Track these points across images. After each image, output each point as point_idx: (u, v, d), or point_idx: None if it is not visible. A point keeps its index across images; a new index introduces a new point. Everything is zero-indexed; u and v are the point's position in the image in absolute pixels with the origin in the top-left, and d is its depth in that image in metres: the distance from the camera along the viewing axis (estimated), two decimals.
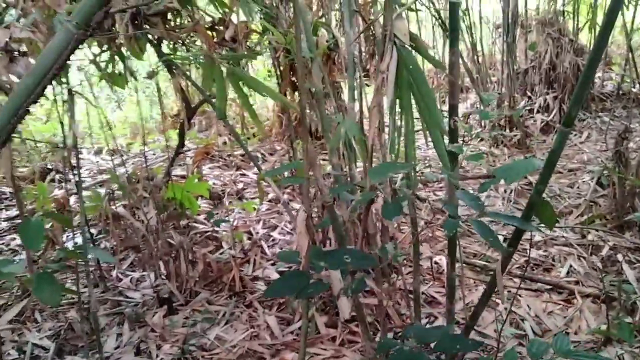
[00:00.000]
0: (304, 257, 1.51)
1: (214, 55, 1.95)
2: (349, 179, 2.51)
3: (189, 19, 2.47)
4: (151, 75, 2.59)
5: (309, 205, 1.60)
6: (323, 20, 3.38)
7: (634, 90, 6.24)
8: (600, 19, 6.21)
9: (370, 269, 2.66)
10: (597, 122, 5.82)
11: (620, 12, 5.77)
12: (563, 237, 3.47)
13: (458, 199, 1.51)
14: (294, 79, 3.11)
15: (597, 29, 6.21)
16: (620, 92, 6.38)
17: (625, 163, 3.47)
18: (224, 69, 1.91)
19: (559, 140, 1.42)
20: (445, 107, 3.97)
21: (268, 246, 3.55)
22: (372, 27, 2.86)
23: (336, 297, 2.59)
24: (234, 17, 2.54)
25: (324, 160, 4.68)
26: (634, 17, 6.08)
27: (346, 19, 2.19)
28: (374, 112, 1.56)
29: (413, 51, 1.58)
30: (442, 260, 3.18)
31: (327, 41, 3.03)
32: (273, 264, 3.28)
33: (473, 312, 1.90)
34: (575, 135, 5.55)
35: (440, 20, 3.46)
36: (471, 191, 1.62)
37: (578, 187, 4.26)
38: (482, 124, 5.79)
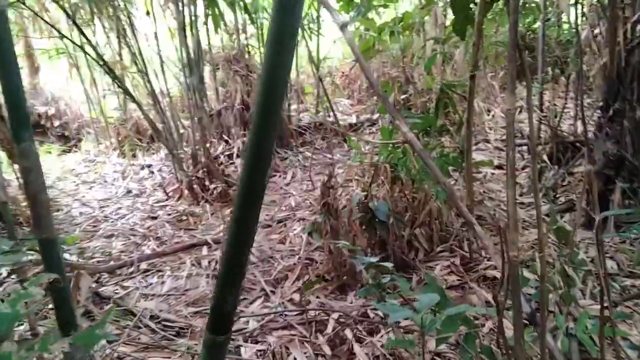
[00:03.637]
0: None
1: None
2: None
3: None
4: None
5: None
6: None
7: (329, 119, 6.13)
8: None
9: None
10: (299, 159, 5.47)
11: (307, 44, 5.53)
12: (281, 316, 2.81)
13: None
14: None
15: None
16: (317, 123, 6.22)
17: (335, 214, 2.98)
18: None
19: None
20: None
21: None
22: None
23: None
24: None
25: None
26: (318, 46, 6.00)
27: None
28: None
29: None
30: None
31: None
32: None
33: None
34: (280, 176, 5.10)
35: None
36: None
37: (290, 242, 3.71)
38: (179, 179, 4.96)
